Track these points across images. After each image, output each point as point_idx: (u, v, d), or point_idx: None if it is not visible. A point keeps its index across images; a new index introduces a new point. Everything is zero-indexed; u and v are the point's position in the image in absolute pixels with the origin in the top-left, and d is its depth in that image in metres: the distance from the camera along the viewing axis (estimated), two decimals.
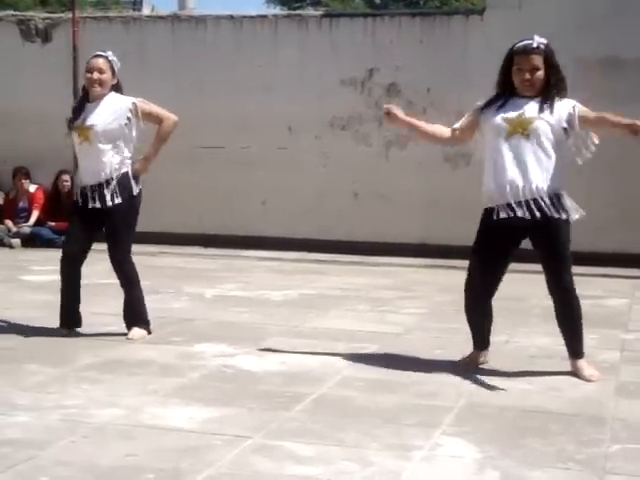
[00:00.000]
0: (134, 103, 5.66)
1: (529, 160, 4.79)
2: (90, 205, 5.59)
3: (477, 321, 5.07)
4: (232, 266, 9.18)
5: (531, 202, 4.78)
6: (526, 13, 9.34)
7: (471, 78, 9.19)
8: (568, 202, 4.87)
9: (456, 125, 5.09)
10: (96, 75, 5.59)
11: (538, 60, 4.82)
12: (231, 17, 10.57)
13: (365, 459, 3.56)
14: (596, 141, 4.90)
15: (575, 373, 4.90)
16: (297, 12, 10.98)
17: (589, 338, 5.83)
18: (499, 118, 4.85)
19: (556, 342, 5.70)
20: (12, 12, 11.82)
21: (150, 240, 10.14)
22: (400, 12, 11.09)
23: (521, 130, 4.79)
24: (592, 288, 7.83)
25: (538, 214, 4.77)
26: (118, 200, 5.58)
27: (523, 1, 9.48)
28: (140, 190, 5.70)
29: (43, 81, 10.47)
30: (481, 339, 5.10)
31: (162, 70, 10.52)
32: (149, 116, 5.72)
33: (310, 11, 11.00)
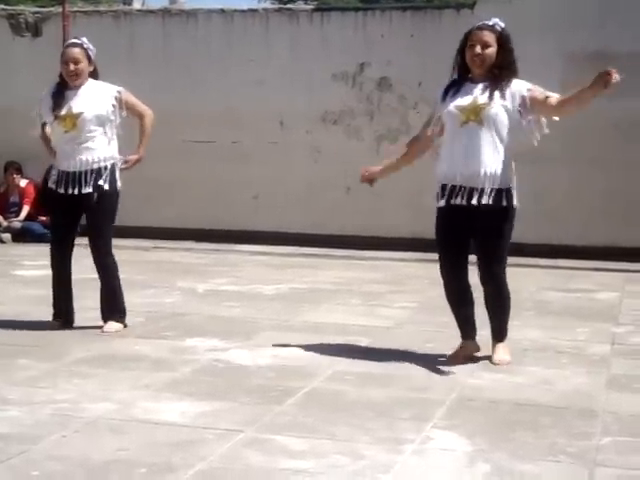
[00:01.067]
0: (119, 92, 5.69)
1: (483, 148, 4.80)
2: (74, 191, 5.55)
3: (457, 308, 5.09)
4: (224, 261, 9.18)
5: (476, 190, 4.79)
6: (517, 7, 9.33)
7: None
8: (514, 192, 4.88)
9: (427, 130, 5.11)
10: (72, 66, 5.57)
11: (490, 37, 4.85)
12: (222, 11, 10.55)
13: (356, 452, 3.57)
14: (546, 130, 4.89)
15: (492, 355, 4.97)
16: (288, 6, 10.97)
17: (580, 331, 5.87)
18: (452, 107, 4.87)
19: (549, 335, 5.73)
20: (2, 6, 11.76)
21: (143, 235, 10.17)
22: (391, 6, 11.07)
23: (474, 117, 4.80)
24: (583, 282, 7.86)
25: (482, 201, 4.78)
26: (106, 187, 5.58)
27: None
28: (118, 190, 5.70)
29: (34, 75, 10.41)
30: (467, 327, 5.10)
31: (153, 64, 10.50)
32: (132, 108, 5.75)
33: (301, 5, 10.99)
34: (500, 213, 4.84)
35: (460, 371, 4.83)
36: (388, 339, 5.61)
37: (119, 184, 5.68)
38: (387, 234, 9.90)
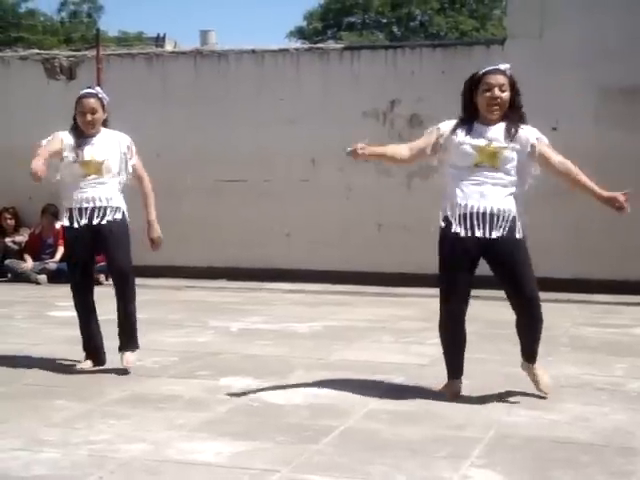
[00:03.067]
0: (131, 141, 5.84)
1: (494, 190, 4.84)
2: (90, 222, 5.63)
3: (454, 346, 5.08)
4: (257, 299, 9.19)
5: (487, 226, 4.82)
6: (547, 43, 9.36)
7: None
8: (520, 224, 4.90)
9: (415, 145, 5.11)
10: (89, 117, 5.71)
11: (505, 81, 4.88)
12: (253, 51, 10.65)
13: None
14: (537, 172, 4.97)
15: (534, 380, 4.98)
16: (318, 45, 11.05)
17: (617, 367, 5.79)
18: (467, 145, 4.88)
19: (585, 371, 5.66)
20: (37, 51, 11.97)
21: (176, 274, 10.22)
22: (421, 43, 11.13)
23: (488, 160, 4.84)
24: (618, 317, 7.77)
25: (494, 234, 4.81)
26: (119, 216, 5.69)
27: (544, 30, 9.49)
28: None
29: (68, 119, 10.57)
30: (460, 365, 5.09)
31: (185, 105, 10.60)
32: (134, 168, 5.85)
33: (332, 44, 11.06)
34: (516, 243, 4.86)
35: (496, 408, 4.78)
36: (422, 376, 5.57)
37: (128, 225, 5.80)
38: (419, 270, 9.85)
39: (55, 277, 10.43)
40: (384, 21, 41.82)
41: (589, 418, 4.62)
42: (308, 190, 10.37)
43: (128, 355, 5.68)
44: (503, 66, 4.95)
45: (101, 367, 5.76)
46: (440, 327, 5.07)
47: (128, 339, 5.73)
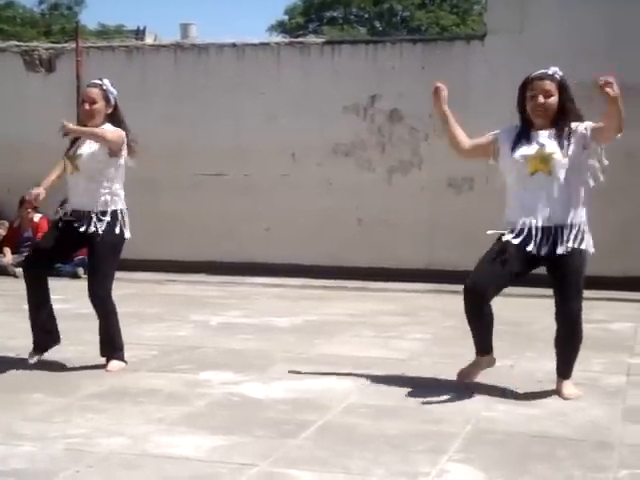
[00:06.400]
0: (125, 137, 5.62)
1: (553, 197, 4.82)
2: (80, 228, 5.49)
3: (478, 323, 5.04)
4: (237, 293, 9.18)
5: (551, 236, 4.81)
6: (527, 38, 9.38)
7: (473, 103, 9.22)
8: (587, 235, 4.90)
9: (475, 141, 5.09)
10: (87, 106, 5.53)
11: (551, 86, 4.86)
12: (234, 45, 10.63)
13: None
14: (605, 161, 4.91)
15: (558, 391, 4.95)
16: (299, 39, 11.02)
17: (595, 362, 5.83)
18: (518, 156, 4.87)
19: None
20: (16, 43, 11.88)
21: (155, 268, 10.19)
22: (402, 38, 11.13)
23: (542, 167, 4.81)
24: (597, 312, 7.81)
25: (556, 247, 4.80)
26: (105, 228, 5.47)
27: (524, 26, 9.52)
28: (124, 237, 5.60)
29: (47, 111, 10.50)
30: (483, 342, 5.06)
31: (165, 99, 10.57)
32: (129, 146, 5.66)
33: (312, 38, 11.04)
34: (574, 256, 4.85)
35: (475, 403, 4.80)
36: (402, 371, 5.59)
37: (126, 233, 5.59)
38: (399, 265, 9.90)
39: None
40: (366, 16, 41.83)
41: (566, 413, 4.64)
42: (288, 185, 10.36)
43: (113, 363, 5.57)
44: (551, 70, 4.91)
45: (57, 345, 5.68)
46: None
47: (110, 351, 5.62)
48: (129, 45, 11.40)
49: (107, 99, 5.57)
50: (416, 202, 9.97)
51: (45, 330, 5.69)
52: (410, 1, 40.36)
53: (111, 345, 5.63)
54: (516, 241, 4.82)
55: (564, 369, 5.02)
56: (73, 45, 11.01)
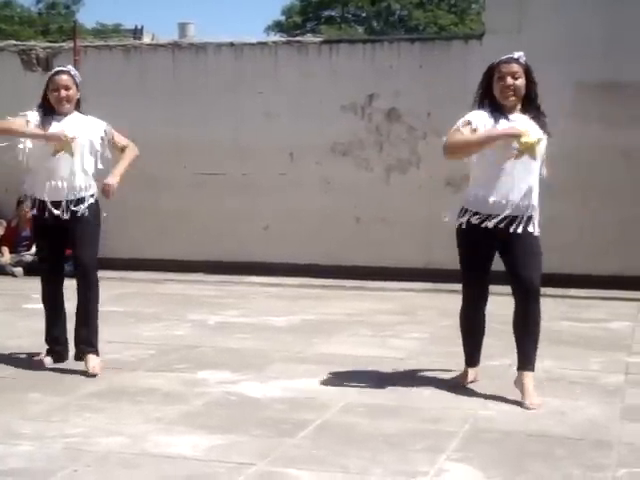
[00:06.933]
0: (108, 126, 5.68)
1: (530, 179, 4.86)
2: (61, 215, 5.49)
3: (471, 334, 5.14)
4: (235, 292, 9.18)
5: (516, 218, 4.84)
6: (525, 37, 9.36)
7: (471, 102, 9.19)
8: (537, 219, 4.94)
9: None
10: (64, 92, 5.54)
11: (519, 69, 4.91)
12: (231, 44, 10.61)
13: None
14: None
15: (520, 389, 4.84)
16: (297, 39, 11.01)
17: (593, 361, 5.83)
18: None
19: (561, 365, 5.70)
20: (13, 42, 11.86)
21: (153, 267, 10.18)
22: (399, 37, 11.12)
23: (531, 151, 4.82)
24: (595, 311, 7.83)
25: (516, 228, 4.83)
26: (86, 211, 5.50)
27: (522, 25, 9.51)
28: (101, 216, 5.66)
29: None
30: (474, 355, 5.16)
31: (163, 98, 10.55)
32: (117, 143, 5.72)
33: (310, 37, 11.03)
34: (533, 237, 4.90)
35: (473, 402, 4.80)
36: (400, 370, 5.59)
37: (101, 214, 5.64)
38: (397, 264, 9.89)
39: (31, 270, 10.35)
40: (363, 15, 41.82)
41: (564, 412, 4.64)
42: (286, 184, 10.35)
43: (92, 359, 5.46)
44: (517, 54, 4.97)
45: (61, 363, 5.64)
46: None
47: (89, 339, 5.53)
48: (127, 44, 11.38)
49: (76, 85, 5.63)
50: (414, 201, 9.96)
51: (62, 341, 5.71)
52: (408, 0, 40.35)
53: (88, 333, 5.51)
54: (476, 220, 4.85)
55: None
56: (71, 44, 10.99)
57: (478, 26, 27.99)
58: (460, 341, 5.19)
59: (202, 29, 54.73)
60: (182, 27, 34.44)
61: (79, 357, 5.57)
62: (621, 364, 5.81)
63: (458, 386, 5.08)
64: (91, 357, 5.47)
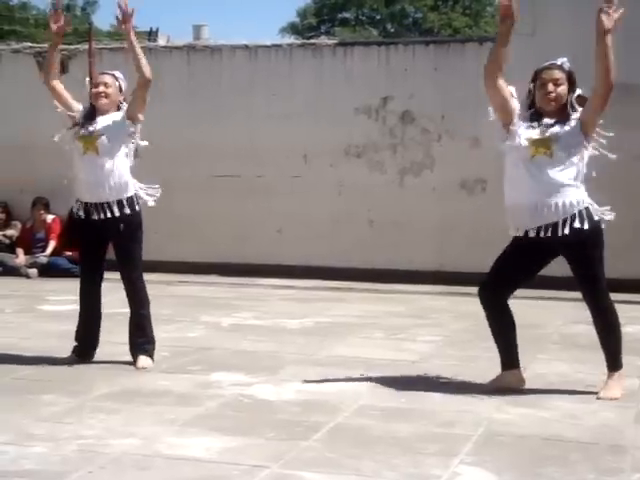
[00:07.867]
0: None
1: (552, 180, 4.82)
2: (98, 217, 5.57)
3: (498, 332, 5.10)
4: (248, 295, 9.18)
5: (553, 224, 4.82)
6: (539, 39, 9.34)
7: (485, 105, 9.15)
8: (593, 210, 4.90)
9: (507, 88, 5.00)
10: (102, 88, 5.67)
11: (560, 75, 4.90)
12: (246, 47, 10.63)
13: None
14: (602, 140, 5.01)
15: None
16: (311, 41, 11.02)
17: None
18: (523, 139, 4.86)
19: (575, 369, 5.67)
20: (29, 44, 11.91)
21: (166, 269, 10.19)
22: (414, 40, 11.12)
23: (544, 150, 4.81)
24: None
25: (563, 232, 4.81)
26: (127, 211, 5.57)
27: (537, 28, 9.49)
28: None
29: (59, 113, 10.54)
30: (506, 356, 5.11)
31: (178, 100, 10.57)
32: (133, 94, 5.74)
33: (324, 40, 11.03)
34: (582, 240, 4.86)
35: (486, 406, 4.78)
36: (413, 373, 5.58)
37: (139, 213, 5.68)
38: (410, 267, 9.88)
39: (46, 271, 10.41)
40: (378, 17, 41.81)
41: (579, 416, 4.62)
42: (300, 186, 10.36)
43: (143, 359, 5.62)
44: (560, 60, 4.97)
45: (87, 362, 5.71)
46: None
47: (143, 343, 5.67)
48: (142, 46, 11.37)
49: (120, 87, 5.76)
50: (428, 204, 9.95)
51: (89, 341, 5.78)
52: (422, 3, 40.32)
53: (144, 338, 5.66)
54: (514, 232, 4.84)
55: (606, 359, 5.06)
56: (86, 46, 11.03)
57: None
58: (474, 344, 5.17)
59: (217, 31, 54.93)
60: (197, 29, 34.47)
61: (133, 353, 5.70)
62: (636, 368, 5.77)
63: (478, 389, 5.06)
64: (142, 357, 5.62)
